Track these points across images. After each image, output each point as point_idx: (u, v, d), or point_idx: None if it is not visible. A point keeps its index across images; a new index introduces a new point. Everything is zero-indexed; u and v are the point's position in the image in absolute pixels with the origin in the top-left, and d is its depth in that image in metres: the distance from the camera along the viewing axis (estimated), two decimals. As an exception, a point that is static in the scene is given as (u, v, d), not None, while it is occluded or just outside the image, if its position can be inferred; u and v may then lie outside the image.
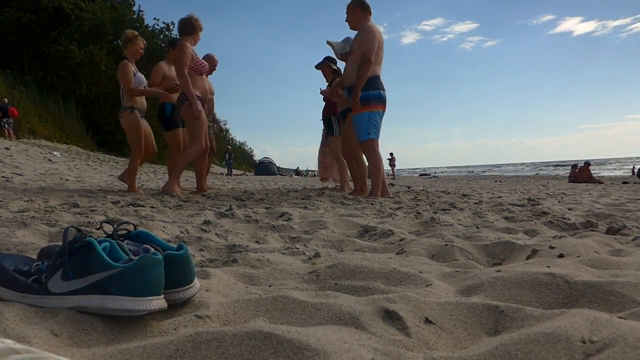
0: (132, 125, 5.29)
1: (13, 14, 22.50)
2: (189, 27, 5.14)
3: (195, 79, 5.09)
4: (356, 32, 4.87)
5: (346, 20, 4.93)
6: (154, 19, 42.29)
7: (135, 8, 27.59)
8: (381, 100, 4.76)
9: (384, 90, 4.78)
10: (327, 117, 6.36)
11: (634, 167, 29.92)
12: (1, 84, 18.73)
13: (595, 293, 0.99)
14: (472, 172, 55.62)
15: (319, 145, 7.42)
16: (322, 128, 6.90)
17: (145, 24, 27.84)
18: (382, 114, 4.82)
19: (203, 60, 5.22)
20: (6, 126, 16.12)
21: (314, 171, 32.42)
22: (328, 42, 5.53)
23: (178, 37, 6.52)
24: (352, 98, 4.66)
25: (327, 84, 6.31)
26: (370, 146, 4.79)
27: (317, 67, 6.46)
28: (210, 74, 6.74)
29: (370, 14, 4.85)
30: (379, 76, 4.77)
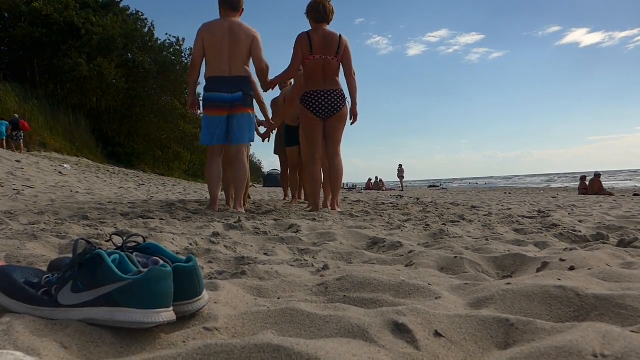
0: None
1: (25, 29, 22.86)
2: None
3: None
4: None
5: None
6: (166, 34, 43.20)
7: (146, 22, 28.01)
8: (207, 103, 4.24)
9: (214, 91, 4.19)
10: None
11: None
12: (14, 97, 19.01)
13: (606, 306, 0.98)
14: (485, 183, 55.15)
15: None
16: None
17: (155, 37, 28.21)
18: (213, 118, 4.25)
19: None
20: (16, 139, 16.36)
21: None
22: None
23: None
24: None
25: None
26: (208, 153, 4.42)
27: None
28: None
29: (227, 9, 4.25)
30: (216, 76, 4.20)
